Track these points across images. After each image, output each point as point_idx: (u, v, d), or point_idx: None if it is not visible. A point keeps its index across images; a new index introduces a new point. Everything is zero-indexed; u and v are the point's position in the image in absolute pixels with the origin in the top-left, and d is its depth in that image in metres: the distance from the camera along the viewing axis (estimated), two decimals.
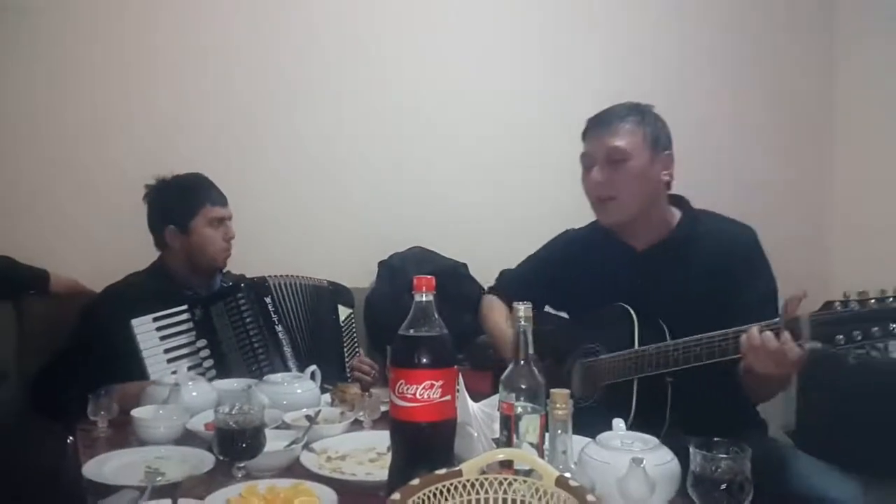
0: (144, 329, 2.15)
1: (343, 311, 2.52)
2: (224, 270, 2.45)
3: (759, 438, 1.84)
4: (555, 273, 2.13)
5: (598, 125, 1.95)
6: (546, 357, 1.96)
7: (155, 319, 2.17)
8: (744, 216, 2.02)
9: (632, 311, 1.86)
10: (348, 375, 2.41)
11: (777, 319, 1.57)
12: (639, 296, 1.89)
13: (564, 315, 2.16)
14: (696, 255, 1.92)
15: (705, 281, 1.87)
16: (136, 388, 1.99)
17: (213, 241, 2.33)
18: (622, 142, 1.90)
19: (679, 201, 2.01)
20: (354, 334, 2.56)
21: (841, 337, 1.46)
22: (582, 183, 1.99)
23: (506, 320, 2.10)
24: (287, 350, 2.29)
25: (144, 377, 2.08)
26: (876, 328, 1.43)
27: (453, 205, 3.19)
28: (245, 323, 2.26)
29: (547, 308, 2.15)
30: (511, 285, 2.25)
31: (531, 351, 1.32)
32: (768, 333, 1.54)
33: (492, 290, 2.34)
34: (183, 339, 2.20)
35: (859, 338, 1.45)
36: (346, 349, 2.48)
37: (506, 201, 3.27)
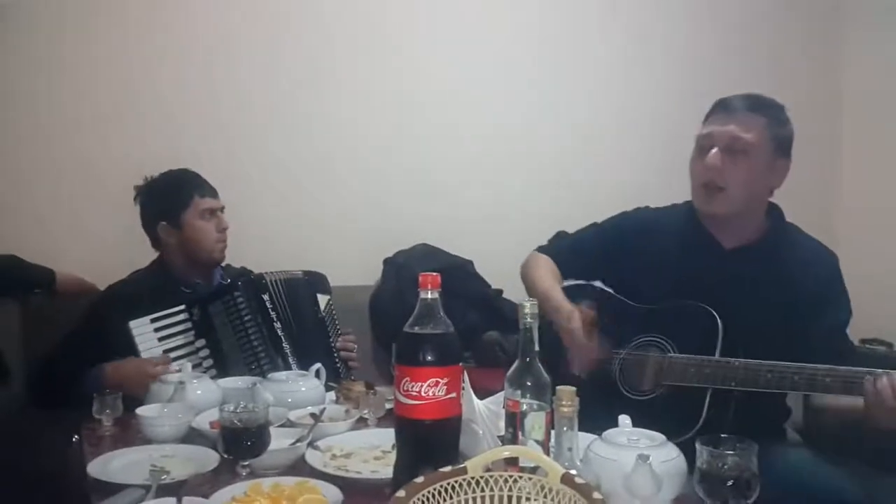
0: (142, 331, 2.14)
1: (322, 299, 2.46)
2: (224, 264, 2.44)
3: (783, 450, 1.81)
4: (620, 249, 2.01)
5: (727, 109, 1.85)
6: (598, 334, 1.89)
7: (153, 321, 2.16)
8: None
9: (718, 318, 1.77)
10: (337, 362, 2.38)
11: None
12: (722, 296, 1.80)
13: (611, 291, 2.04)
14: (782, 266, 1.85)
15: (785, 295, 1.81)
16: (130, 367, 2.00)
17: (206, 232, 2.31)
18: (749, 134, 1.80)
19: (772, 209, 1.94)
20: (336, 319, 2.50)
21: None
22: (692, 164, 1.88)
23: (555, 282, 2.00)
24: (286, 346, 2.27)
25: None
26: None
27: (459, 202, 3.19)
28: (244, 321, 2.23)
29: (598, 284, 2.04)
30: (566, 250, 2.12)
31: (537, 348, 1.31)
32: None
33: (541, 248, 2.18)
34: (181, 340, 2.19)
35: None
36: (331, 337, 2.43)
37: (512, 198, 3.27)
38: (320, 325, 2.43)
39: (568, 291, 1.97)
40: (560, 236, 2.22)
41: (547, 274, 2.03)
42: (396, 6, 3.13)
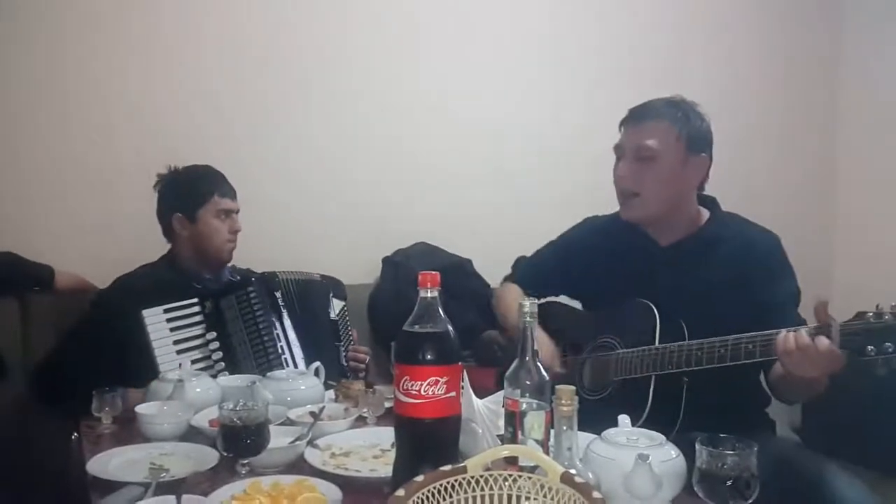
0: (155, 320, 2.16)
1: (337, 305, 2.52)
2: (231, 265, 2.45)
3: (767, 437, 1.84)
4: (573, 261, 2.11)
5: (633, 119, 1.93)
6: (560, 347, 1.97)
7: (166, 311, 2.18)
8: (745, 215, 2.02)
9: (654, 308, 1.84)
10: (346, 368, 2.41)
11: (807, 326, 1.57)
12: (659, 291, 1.88)
13: (577, 305, 2.14)
14: (719, 256, 1.91)
15: (726, 282, 1.86)
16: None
17: (218, 231, 2.33)
18: (652, 140, 1.88)
19: (709, 202, 2.00)
20: (349, 326, 2.55)
21: (872, 348, 1.47)
22: (615, 173, 1.97)
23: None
24: (295, 345, 2.29)
25: (154, 368, 2.08)
26: None
27: (458, 201, 3.19)
28: (255, 317, 2.26)
29: (562, 298, 2.14)
30: (528, 273, 2.23)
31: (536, 347, 1.32)
32: (803, 335, 1.54)
33: (508, 278, 2.31)
34: (193, 332, 2.21)
35: (891, 350, 1.45)
36: (342, 342, 2.47)
37: (511, 197, 3.27)
38: (332, 328, 2.47)
39: None
40: (520, 262, 2.33)
41: (514, 303, 2.07)
42: (397, 6, 3.13)
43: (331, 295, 2.52)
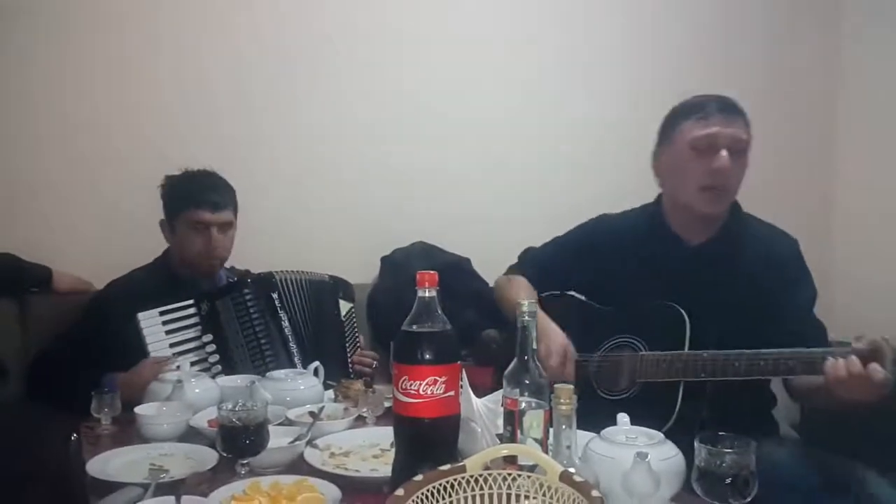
0: (150, 323, 2.15)
1: (344, 306, 2.51)
2: (229, 266, 2.45)
3: (771, 438, 1.84)
4: (588, 256, 2.06)
5: (726, 111, 1.86)
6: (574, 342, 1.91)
7: (161, 313, 2.17)
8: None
9: (684, 313, 1.82)
10: (350, 371, 2.41)
11: (853, 348, 1.56)
12: (690, 293, 1.84)
13: (582, 298, 2.09)
14: (743, 256, 1.90)
15: (749, 283, 1.85)
16: (138, 376, 1.99)
17: (191, 244, 2.28)
18: (746, 135, 1.86)
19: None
20: (356, 329, 2.55)
21: None
22: (685, 165, 1.88)
23: (526, 295, 2.01)
24: (293, 346, 2.29)
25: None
26: None
27: (456, 199, 3.19)
28: (251, 318, 2.26)
29: (572, 293, 2.09)
30: (534, 265, 2.19)
31: (535, 346, 1.32)
32: (855, 363, 1.53)
33: (513, 268, 2.25)
34: (189, 334, 2.21)
35: None
36: (347, 344, 2.47)
37: (509, 196, 3.27)
38: (336, 329, 2.45)
39: (544, 301, 2.00)
40: (528, 253, 2.27)
41: (521, 293, 2.06)
42: (396, 6, 3.12)
43: (339, 296, 2.51)
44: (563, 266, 2.11)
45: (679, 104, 1.95)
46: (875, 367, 1.50)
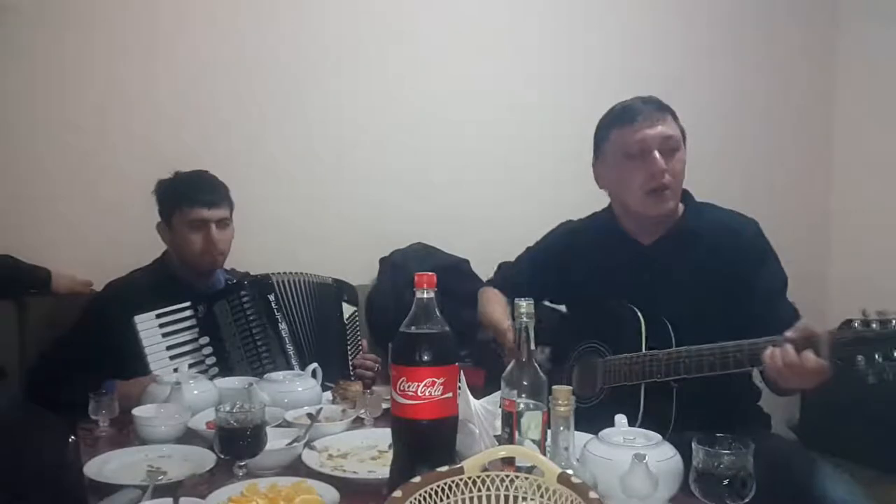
0: (147, 326, 2.15)
1: (347, 309, 2.51)
2: (228, 268, 2.45)
3: (762, 433, 1.83)
4: (554, 265, 2.09)
5: (650, 111, 1.88)
6: (546, 352, 1.95)
7: (158, 316, 2.17)
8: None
9: (639, 313, 1.82)
10: (351, 374, 2.40)
11: (791, 336, 1.54)
12: (644, 292, 1.86)
13: (562, 308, 2.11)
14: (701, 249, 1.89)
15: (712, 275, 1.85)
16: (137, 387, 1.99)
17: (189, 242, 2.27)
18: (675, 132, 1.87)
19: (683, 194, 1.97)
20: (358, 332, 2.54)
21: (861, 358, 1.44)
22: (626, 173, 1.90)
23: (504, 312, 2.04)
24: (290, 348, 2.28)
25: (146, 374, 2.08)
26: None
27: (455, 201, 3.18)
28: (248, 320, 2.25)
29: (546, 302, 2.10)
30: (509, 279, 2.22)
31: (533, 347, 1.32)
32: (789, 352, 1.51)
33: (490, 283, 2.31)
34: (186, 337, 2.20)
35: (880, 360, 1.42)
36: (349, 347, 2.47)
37: (507, 197, 3.27)
38: (338, 332, 2.44)
39: None
40: (502, 268, 2.32)
41: (495, 306, 2.11)
42: (395, 6, 3.12)
43: (343, 299, 2.50)
44: (534, 277, 2.13)
45: (605, 114, 1.98)
46: (808, 355, 1.49)
